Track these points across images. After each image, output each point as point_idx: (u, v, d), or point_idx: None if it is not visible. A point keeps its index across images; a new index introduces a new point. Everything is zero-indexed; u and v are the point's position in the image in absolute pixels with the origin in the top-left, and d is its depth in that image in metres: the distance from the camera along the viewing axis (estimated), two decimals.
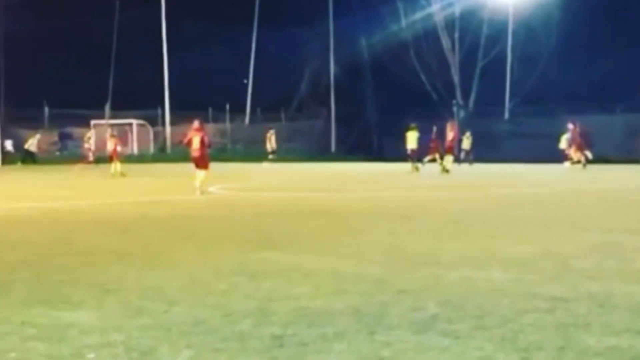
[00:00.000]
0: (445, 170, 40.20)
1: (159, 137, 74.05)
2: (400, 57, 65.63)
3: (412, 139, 43.47)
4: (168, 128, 72.58)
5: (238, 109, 75.06)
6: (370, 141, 68.23)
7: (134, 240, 14.15)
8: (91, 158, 53.22)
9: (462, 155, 52.51)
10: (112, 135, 45.07)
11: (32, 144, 58.65)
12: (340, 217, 17.96)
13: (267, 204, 22.46)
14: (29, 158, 57.10)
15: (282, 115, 74.64)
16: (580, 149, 44.86)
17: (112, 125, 59.67)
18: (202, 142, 26.16)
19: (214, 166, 28.18)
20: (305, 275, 9.84)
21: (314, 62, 77.07)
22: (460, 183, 31.81)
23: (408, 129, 43.64)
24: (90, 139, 56.76)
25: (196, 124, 26.96)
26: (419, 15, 67.19)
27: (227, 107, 73.17)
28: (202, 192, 25.08)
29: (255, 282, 9.40)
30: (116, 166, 40.57)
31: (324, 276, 9.78)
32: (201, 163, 26.01)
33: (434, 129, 44.67)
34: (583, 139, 45.22)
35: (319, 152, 65.52)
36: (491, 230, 15.00)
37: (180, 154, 49.52)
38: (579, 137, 45.26)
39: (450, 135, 43.22)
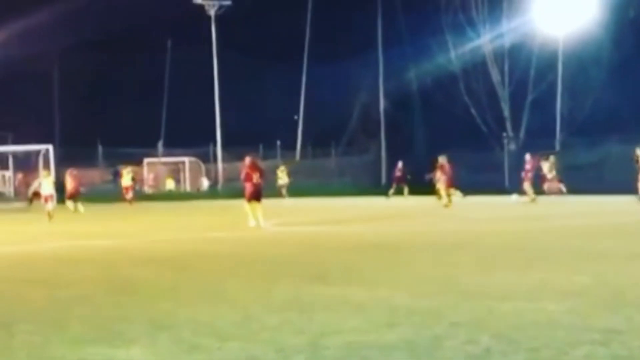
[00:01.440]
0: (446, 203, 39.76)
1: (211, 174, 74.47)
2: (449, 89, 65.46)
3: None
4: (220, 165, 72.97)
5: (289, 145, 75.33)
6: (421, 174, 67.92)
7: (186, 276, 14.23)
8: (130, 195, 52.95)
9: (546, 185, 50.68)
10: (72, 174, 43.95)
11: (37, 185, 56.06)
12: (392, 250, 17.93)
13: (318, 238, 22.47)
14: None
15: (333, 150, 74.76)
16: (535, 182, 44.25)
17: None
18: (260, 176, 27.47)
19: (266, 202, 28.35)
20: (357, 309, 9.83)
21: (363, 96, 77.18)
22: (511, 215, 31.59)
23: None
24: (125, 176, 55.59)
25: (248, 160, 27.93)
26: (468, 47, 67.06)
27: (278, 143, 73.48)
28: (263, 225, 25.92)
29: (308, 317, 9.41)
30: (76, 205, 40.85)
31: (376, 309, 9.77)
32: (260, 196, 27.06)
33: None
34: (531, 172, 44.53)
35: (370, 186, 65.41)
36: (544, 260, 14.88)
37: (231, 190, 49.77)
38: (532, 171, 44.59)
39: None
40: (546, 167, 44.83)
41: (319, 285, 12.17)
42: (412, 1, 68.51)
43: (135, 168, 65.83)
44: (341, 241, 21.11)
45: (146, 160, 70.46)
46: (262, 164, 57.40)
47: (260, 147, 70.25)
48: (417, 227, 26.47)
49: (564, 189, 44.04)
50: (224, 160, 71.79)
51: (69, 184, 43.20)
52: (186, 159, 73.03)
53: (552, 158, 46.53)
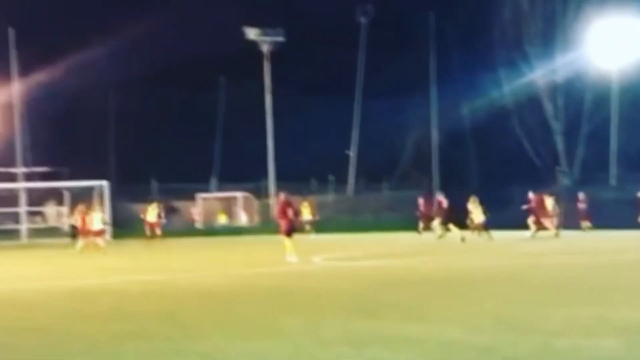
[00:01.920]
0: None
1: (264, 209, 74.64)
2: (502, 124, 65.22)
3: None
4: (273, 200, 73.11)
5: (341, 179, 75.35)
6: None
7: (237, 310, 14.24)
8: (158, 232, 52.50)
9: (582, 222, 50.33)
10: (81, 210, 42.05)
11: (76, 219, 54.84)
12: (444, 284, 17.81)
13: (371, 273, 22.39)
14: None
15: (385, 185, 74.64)
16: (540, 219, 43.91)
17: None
18: (294, 212, 28.34)
19: (319, 237, 28.45)
20: (410, 344, 9.75)
21: (416, 131, 77.10)
22: (565, 249, 31.28)
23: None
24: (151, 212, 55.11)
25: (282, 197, 29.21)
26: (521, 81, 66.83)
27: (330, 177, 73.53)
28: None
29: (359, 351, 9.35)
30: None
31: (429, 344, 9.69)
32: (293, 232, 27.77)
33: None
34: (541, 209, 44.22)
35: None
36: (601, 296, 14.69)
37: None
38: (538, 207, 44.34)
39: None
40: (550, 204, 44.61)
41: (370, 320, 12.11)
42: (466, 37, 68.52)
43: (179, 203, 66.31)
44: (392, 275, 21.02)
45: (199, 196, 70.80)
46: (312, 199, 57.60)
47: (313, 181, 70.36)
48: (468, 261, 26.29)
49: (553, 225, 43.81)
50: (277, 195, 71.96)
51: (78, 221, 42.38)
52: (239, 194, 73.29)
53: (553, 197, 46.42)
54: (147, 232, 48.50)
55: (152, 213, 49.42)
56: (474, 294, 15.65)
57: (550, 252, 29.45)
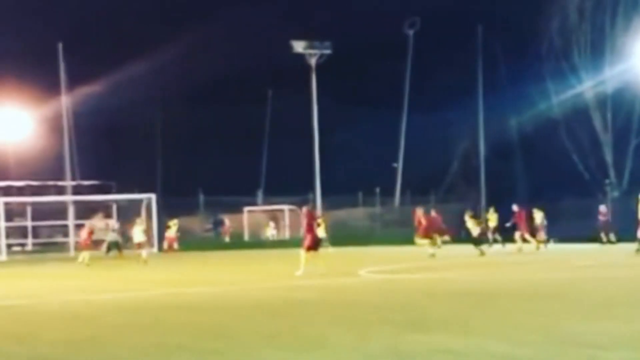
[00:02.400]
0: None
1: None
2: (550, 136, 64.81)
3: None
4: (319, 212, 73.13)
5: (387, 192, 75.26)
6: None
7: (283, 323, 14.27)
8: (175, 247, 53.21)
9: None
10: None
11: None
12: (489, 297, 17.71)
13: (416, 286, 22.32)
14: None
15: (432, 197, 74.42)
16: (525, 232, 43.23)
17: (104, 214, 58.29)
18: (318, 225, 29.92)
19: (365, 249, 28.44)
20: (456, 357, 9.72)
21: (463, 143, 76.83)
22: (610, 262, 30.96)
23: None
24: (172, 228, 55.22)
25: (306, 210, 29.94)
26: (569, 93, 66.40)
27: (377, 190, 73.48)
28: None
29: None
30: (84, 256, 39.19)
31: (474, 358, 9.65)
32: (318, 246, 28.47)
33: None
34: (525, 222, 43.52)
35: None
36: None
37: (332, 238, 49.81)
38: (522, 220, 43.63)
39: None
40: (539, 217, 44.11)
41: (417, 333, 12.09)
42: (513, 48, 68.19)
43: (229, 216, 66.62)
44: (439, 288, 20.95)
45: (246, 209, 71.09)
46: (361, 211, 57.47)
47: (360, 194, 70.34)
48: (513, 274, 26.10)
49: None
50: (323, 207, 72.01)
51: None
52: (285, 207, 73.45)
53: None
54: (165, 246, 50.66)
55: (172, 229, 51.20)
56: (521, 307, 15.55)
57: (601, 265, 29.16)
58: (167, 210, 65.38)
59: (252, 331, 13.15)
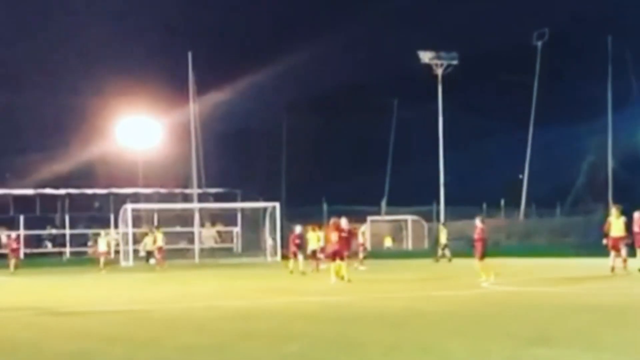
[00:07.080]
0: None
1: (433, 233, 74.37)
2: None
3: None
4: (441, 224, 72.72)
5: (512, 204, 74.42)
6: None
7: (405, 334, 14.21)
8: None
9: None
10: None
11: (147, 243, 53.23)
12: (620, 312, 17.27)
13: (539, 298, 21.95)
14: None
15: (557, 210, 73.31)
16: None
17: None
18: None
19: (489, 261, 28.13)
20: None
21: (591, 157, 75.57)
22: None
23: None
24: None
25: (334, 222, 31.83)
26: None
27: (502, 202, 72.73)
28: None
29: None
30: None
31: None
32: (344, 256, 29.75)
33: None
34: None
35: (597, 247, 63.54)
36: None
37: (455, 249, 49.44)
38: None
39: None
40: None
41: (540, 347, 11.89)
42: None
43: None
44: (563, 302, 20.55)
45: (369, 219, 71.15)
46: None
47: (484, 206, 69.67)
48: None
49: None
50: (447, 219, 71.59)
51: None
52: (409, 217, 73.26)
53: None
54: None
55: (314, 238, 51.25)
56: None
57: None
58: (290, 219, 65.88)
59: (373, 341, 13.12)
